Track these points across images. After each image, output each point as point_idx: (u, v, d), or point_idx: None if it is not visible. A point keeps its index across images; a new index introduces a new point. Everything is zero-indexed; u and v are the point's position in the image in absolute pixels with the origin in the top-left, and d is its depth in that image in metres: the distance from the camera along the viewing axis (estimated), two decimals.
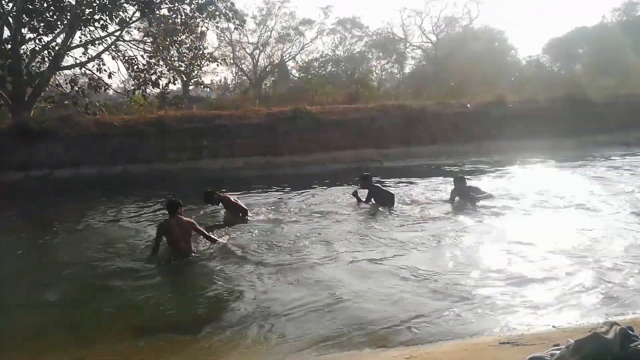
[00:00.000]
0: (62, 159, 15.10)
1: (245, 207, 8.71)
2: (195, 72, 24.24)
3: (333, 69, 40.06)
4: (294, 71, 41.34)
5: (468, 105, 18.15)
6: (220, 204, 8.74)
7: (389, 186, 11.16)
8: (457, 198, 9.20)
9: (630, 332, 2.09)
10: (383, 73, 43.24)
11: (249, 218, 8.52)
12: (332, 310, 4.73)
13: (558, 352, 2.15)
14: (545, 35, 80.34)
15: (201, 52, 22.63)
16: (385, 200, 9.01)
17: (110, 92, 23.56)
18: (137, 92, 21.22)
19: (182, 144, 15.94)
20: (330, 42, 42.12)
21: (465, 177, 9.73)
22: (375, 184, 9.76)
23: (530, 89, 22.32)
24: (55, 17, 18.41)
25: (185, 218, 6.73)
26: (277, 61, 40.04)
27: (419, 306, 4.69)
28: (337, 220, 8.35)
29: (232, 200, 8.72)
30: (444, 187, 10.62)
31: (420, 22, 39.99)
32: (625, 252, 5.96)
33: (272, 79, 40.80)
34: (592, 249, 6.11)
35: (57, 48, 19.19)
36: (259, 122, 16.85)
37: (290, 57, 40.94)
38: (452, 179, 9.87)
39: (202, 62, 23.69)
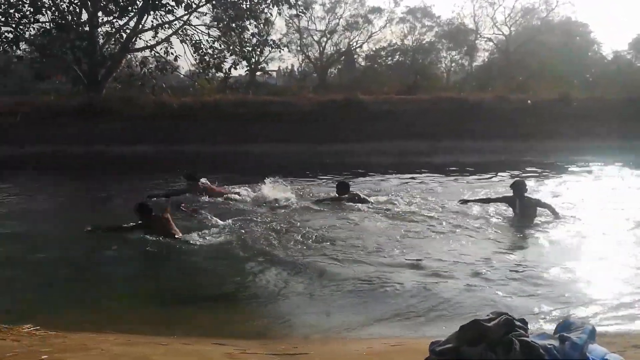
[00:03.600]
0: (122, 136, 16.04)
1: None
2: (258, 57, 24.84)
3: (400, 59, 39.36)
4: (360, 59, 41.13)
5: (528, 101, 17.24)
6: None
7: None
8: (504, 206, 7.62)
9: (516, 322, 2.15)
10: (452, 65, 41.93)
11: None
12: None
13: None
14: (632, 30, 73.84)
15: (264, 38, 23.05)
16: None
17: (181, 75, 24.74)
18: (202, 76, 22.11)
19: (234, 127, 16.41)
20: (399, 32, 41.40)
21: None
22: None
23: (605, 86, 20.75)
24: (128, 1, 19.49)
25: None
26: (343, 49, 39.98)
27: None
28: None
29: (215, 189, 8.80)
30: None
31: (493, 13, 38.22)
32: None
33: (338, 67, 40.84)
34: None
35: (128, 31, 20.38)
36: (310, 109, 16.98)
37: (357, 46, 40.73)
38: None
39: (264, 48, 24.19)
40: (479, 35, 38.72)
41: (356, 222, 7.39)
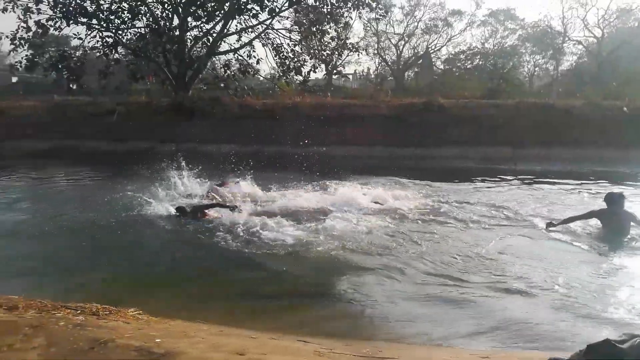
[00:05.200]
0: (208, 135, 16.78)
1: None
2: (336, 61, 25.07)
3: (480, 63, 38.21)
4: (438, 63, 40.38)
5: (624, 108, 16.07)
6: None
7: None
8: (596, 221, 6.96)
9: None
10: (536, 69, 40.06)
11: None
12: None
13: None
14: None
15: (343, 41, 23.22)
16: None
17: (261, 78, 25.52)
18: (282, 78, 22.67)
19: (312, 129, 16.63)
20: (480, 35, 40.25)
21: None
22: None
23: None
24: (215, 6, 20.40)
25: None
26: (421, 52, 39.44)
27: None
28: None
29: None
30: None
31: (584, 15, 36.08)
32: None
33: (416, 70, 40.34)
34: None
35: (215, 35, 21.33)
36: (388, 113, 16.88)
37: (435, 49, 40.03)
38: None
39: (343, 51, 24.36)
40: (567, 38, 36.71)
41: (450, 233, 7.17)
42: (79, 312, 3.32)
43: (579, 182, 11.75)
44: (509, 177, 12.34)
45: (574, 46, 37.85)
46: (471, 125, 16.32)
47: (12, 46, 19.16)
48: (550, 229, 6.98)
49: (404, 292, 5.02)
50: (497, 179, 12.12)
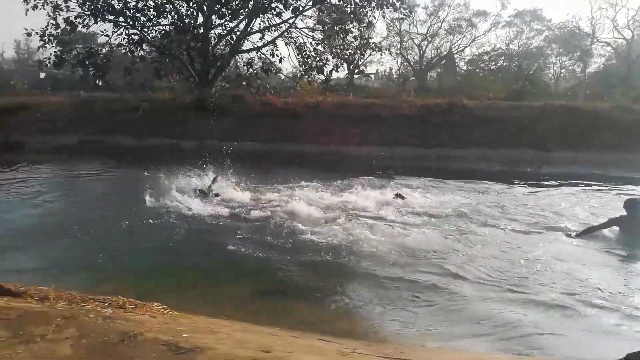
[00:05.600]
0: (230, 132, 16.88)
1: None
2: (359, 60, 24.97)
3: (505, 64, 37.66)
4: (461, 64, 39.95)
5: None
6: None
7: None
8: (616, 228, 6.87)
9: None
10: (562, 71, 39.32)
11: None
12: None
13: None
14: None
15: (366, 41, 23.11)
16: None
17: (282, 76, 25.58)
18: (304, 77, 22.69)
19: (334, 129, 16.63)
20: (505, 36, 39.67)
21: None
22: None
23: None
24: (239, 5, 20.50)
25: None
26: (444, 53, 39.08)
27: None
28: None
29: None
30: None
31: (614, 15, 35.27)
32: None
33: (438, 70, 39.99)
34: None
35: (238, 33, 21.44)
36: (411, 113, 16.77)
37: (459, 50, 39.61)
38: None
39: (366, 51, 24.26)
40: (595, 40, 35.93)
41: (471, 239, 7.05)
42: (106, 304, 3.38)
43: (604, 185, 11.53)
44: (533, 180, 12.17)
45: (602, 48, 37.08)
46: (495, 127, 16.12)
47: (41, 42, 19.58)
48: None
49: (425, 294, 4.98)
50: (520, 181, 11.96)
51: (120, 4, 19.68)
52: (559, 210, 8.75)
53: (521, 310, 4.59)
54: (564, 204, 9.32)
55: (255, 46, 22.17)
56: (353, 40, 22.39)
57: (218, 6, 20.68)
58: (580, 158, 15.05)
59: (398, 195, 8.84)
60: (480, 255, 6.14)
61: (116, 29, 20.32)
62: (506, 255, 6.18)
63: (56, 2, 19.12)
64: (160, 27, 21.08)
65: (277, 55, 21.89)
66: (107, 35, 20.71)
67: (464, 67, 39.22)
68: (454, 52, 39.18)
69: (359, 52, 23.42)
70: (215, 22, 21.33)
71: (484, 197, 9.88)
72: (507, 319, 4.41)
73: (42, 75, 33.41)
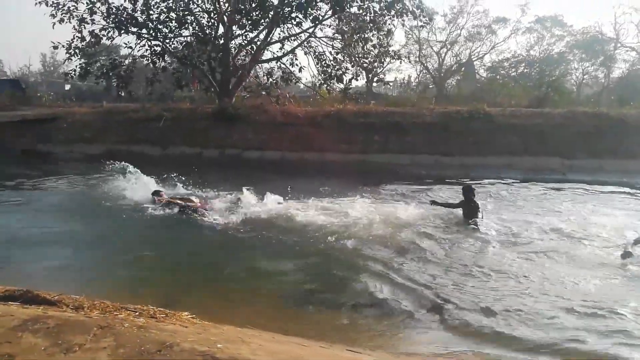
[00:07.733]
0: (251, 141, 17.00)
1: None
2: (379, 69, 24.90)
3: (525, 71, 37.23)
4: (481, 71, 39.63)
5: None
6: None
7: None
8: None
9: None
10: (585, 77, 38.67)
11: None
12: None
13: None
14: None
15: (385, 49, 23.07)
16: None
17: (301, 85, 25.68)
18: (323, 86, 22.74)
19: (355, 137, 16.60)
20: (525, 42, 39.28)
21: None
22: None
23: None
24: (260, 15, 20.69)
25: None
26: (464, 60, 38.83)
27: None
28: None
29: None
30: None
31: (638, 20, 34.64)
32: None
33: (457, 78, 39.72)
34: None
35: (258, 43, 21.63)
36: (432, 120, 16.65)
37: (478, 57, 39.31)
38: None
39: (385, 59, 24.21)
40: (619, 45, 35.30)
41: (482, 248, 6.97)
42: (138, 314, 3.38)
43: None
44: (560, 187, 11.96)
45: (626, 53, 36.39)
46: (518, 135, 15.90)
47: (67, 55, 20.04)
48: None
49: (457, 313, 4.85)
50: (546, 190, 11.74)
51: (144, 17, 20.05)
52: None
53: (564, 323, 4.51)
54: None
55: (275, 56, 22.34)
56: (372, 48, 22.39)
57: (239, 17, 20.89)
58: (606, 166, 14.73)
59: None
60: (498, 267, 6.02)
61: (139, 41, 20.72)
62: (531, 267, 6.06)
63: (82, 15, 19.59)
64: (182, 38, 21.41)
65: (297, 65, 22.04)
66: (130, 47, 21.12)
67: (484, 74, 38.89)
68: (474, 59, 38.92)
69: (378, 60, 23.36)
70: (235, 32, 21.55)
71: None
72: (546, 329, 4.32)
73: (67, 87, 34.20)
